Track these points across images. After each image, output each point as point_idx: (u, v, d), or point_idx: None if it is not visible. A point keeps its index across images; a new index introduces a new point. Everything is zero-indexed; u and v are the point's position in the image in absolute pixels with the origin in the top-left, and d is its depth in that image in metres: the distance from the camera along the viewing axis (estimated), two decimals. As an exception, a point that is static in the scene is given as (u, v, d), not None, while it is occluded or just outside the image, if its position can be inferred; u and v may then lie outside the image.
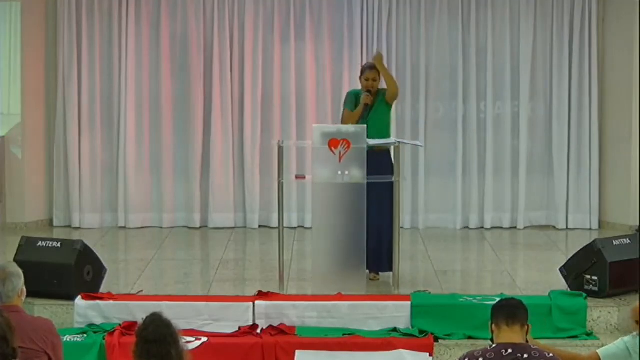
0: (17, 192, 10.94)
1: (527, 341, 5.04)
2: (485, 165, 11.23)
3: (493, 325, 5.08)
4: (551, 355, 4.93)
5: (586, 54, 11.09)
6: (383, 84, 8.90)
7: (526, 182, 11.26)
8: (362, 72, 8.92)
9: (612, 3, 11.06)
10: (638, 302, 5.80)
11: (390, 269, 8.61)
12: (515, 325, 5.00)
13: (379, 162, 8.54)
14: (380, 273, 8.77)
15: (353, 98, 8.89)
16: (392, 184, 8.52)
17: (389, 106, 8.89)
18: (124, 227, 11.13)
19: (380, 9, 11.10)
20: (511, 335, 4.99)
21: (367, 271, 8.62)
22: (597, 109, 11.13)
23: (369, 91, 8.76)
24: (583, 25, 11.08)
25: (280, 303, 7.91)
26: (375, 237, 8.52)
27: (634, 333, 5.75)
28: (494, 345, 4.97)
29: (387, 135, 8.80)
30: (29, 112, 11.00)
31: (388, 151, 8.69)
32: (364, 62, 11.07)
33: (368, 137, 8.35)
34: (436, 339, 7.63)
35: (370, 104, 8.75)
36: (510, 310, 5.07)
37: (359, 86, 11.02)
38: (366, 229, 8.36)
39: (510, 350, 4.90)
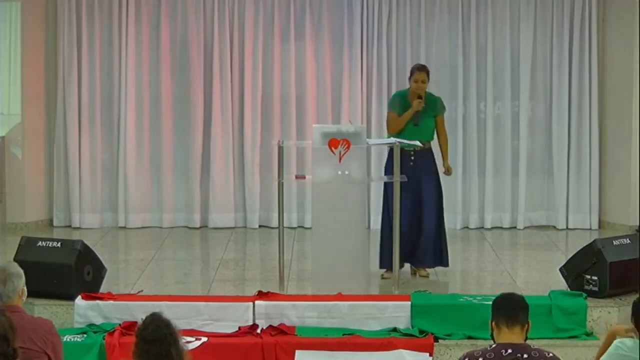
0: (17, 192, 10.94)
1: (526, 339, 5.03)
2: (485, 165, 11.23)
3: (493, 324, 5.05)
4: (551, 355, 4.92)
5: (586, 54, 11.09)
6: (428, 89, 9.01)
7: (526, 182, 11.26)
8: (412, 73, 8.89)
9: (612, 3, 11.06)
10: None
11: (446, 263, 8.93)
12: (516, 327, 4.98)
13: (425, 162, 8.73)
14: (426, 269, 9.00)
15: (400, 101, 8.87)
16: (438, 182, 8.81)
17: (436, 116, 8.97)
18: (124, 227, 11.13)
19: (380, 9, 11.11)
20: (511, 336, 4.97)
21: (413, 267, 8.88)
22: (597, 109, 11.13)
23: (419, 97, 8.76)
24: (583, 25, 11.09)
25: (280, 303, 7.91)
26: (428, 234, 8.69)
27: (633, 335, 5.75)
28: (493, 346, 4.95)
29: (432, 139, 8.90)
30: (29, 112, 11.00)
31: (431, 149, 8.82)
32: (364, 61, 11.12)
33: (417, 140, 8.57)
34: (436, 339, 7.63)
35: (420, 110, 8.79)
36: (510, 312, 5.02)
37: (358, 87, 11.12)
38: (420, 226, 8.51)
39: (510, 351, 4.89)
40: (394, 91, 10.68)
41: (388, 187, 8.77)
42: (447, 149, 9.04)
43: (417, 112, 8.75)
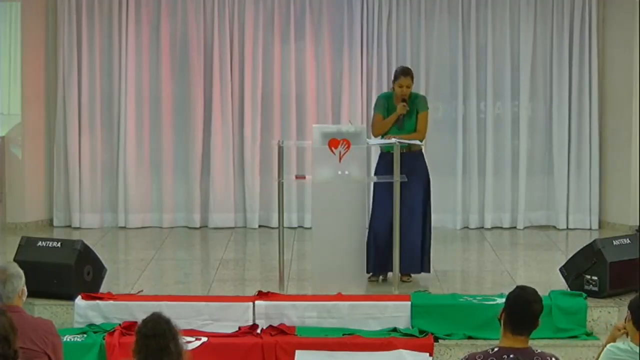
0: (17, 192, 10.94)
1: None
2: (485, 165, 11.23)
3: (502, 320, 4.97)
4: (553, 359, 4.90)
5: (586, 54, 11.09)
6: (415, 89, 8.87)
7: (526, 182, 11.26)
8: (396, 78, 8.69)
9: (612, 3, 11.07)
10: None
11: (426, 269, 8.74)
12: (522, 336, 4.93)
13: (413, 164, 8.60)
14: (413, 275, 8.81)
15: (385, 102, 8.76)
16: (428, 186, 8.71)
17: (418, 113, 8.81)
18: (124, 227, 11.13)
19: (380, 8, 11.10)
20: (515, 341, 4.92)
21: (399, 274, 8.50)
22: (597, 109, 11.14)
23: (404, 100, 8.63)
24: (583, 26, 11.09)
25: (280, 303, 7.91)
26: (408, 238, 8.55)
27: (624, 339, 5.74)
28: (495, 349, 4.91)
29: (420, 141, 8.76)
30: (29, 112, 11.00)
31: (421, 152, 8.72)
32: (364, 61, 11.12)
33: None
34: (436, 339, 7.63)
35: (404, 113, 8.69)
36: (521, 322, 4.90)
37: (358, 87, 11.11)
38: (399, 230, 8.35)
39: (512, 356, 4.85)
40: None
41: (376, 190, 8.75)
42: (410, 137, 8.58)
43: (401, 115, 8.68)
